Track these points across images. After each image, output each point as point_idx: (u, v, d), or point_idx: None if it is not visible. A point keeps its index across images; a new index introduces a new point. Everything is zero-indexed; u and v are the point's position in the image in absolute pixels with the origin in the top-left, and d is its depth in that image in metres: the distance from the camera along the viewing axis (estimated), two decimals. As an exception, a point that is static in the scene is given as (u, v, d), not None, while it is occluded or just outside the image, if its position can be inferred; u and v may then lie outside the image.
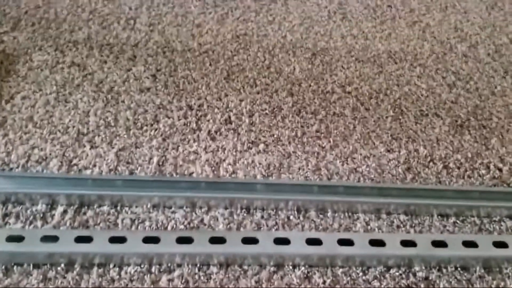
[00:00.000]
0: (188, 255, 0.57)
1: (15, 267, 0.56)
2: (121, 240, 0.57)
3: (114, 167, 0.69)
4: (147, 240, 0.58)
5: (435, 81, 0.92)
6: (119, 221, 0.62)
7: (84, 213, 0.62)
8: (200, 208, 0.65)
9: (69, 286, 0.54)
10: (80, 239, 0.57)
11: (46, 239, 0.57)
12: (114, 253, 0.56)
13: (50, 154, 0.69)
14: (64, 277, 0.55)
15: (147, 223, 0.62)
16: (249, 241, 0.59)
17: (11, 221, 0.61)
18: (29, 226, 0.60)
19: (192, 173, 0.69)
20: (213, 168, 0.70)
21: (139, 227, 0.62)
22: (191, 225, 0.63)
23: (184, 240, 0.58)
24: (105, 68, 0.86)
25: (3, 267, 0.56)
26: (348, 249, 0.59)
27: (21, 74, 0.83)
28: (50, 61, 0.86)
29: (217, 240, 0.59)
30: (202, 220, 0.63)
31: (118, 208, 0.63)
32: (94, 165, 0.69)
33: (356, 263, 0.59)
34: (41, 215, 0.62)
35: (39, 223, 0.61)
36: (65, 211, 0.62)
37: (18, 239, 0.56)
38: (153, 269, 0.57)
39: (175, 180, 0.67)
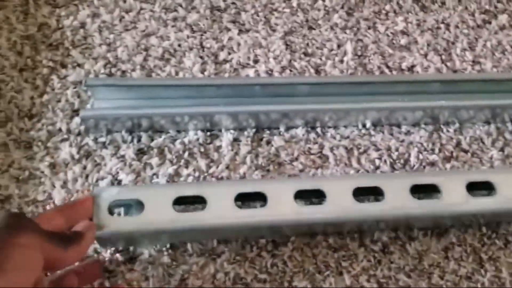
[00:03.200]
0: None
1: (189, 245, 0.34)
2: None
3: (288, 61, 0.44)
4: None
5: None
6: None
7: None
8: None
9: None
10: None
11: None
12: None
13: (179, 45, 0.44)
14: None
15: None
16: None
17: (154, 161, 0.38)
18: (187, 169, 0.38)
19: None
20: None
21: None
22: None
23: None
24: None
25: (168, 245, 0.34)
26: None
27: None
28: None
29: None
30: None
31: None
32: (256, 61, 0.44)
33: None
34: (201, 149, 0.39)
35: (203, 162, 0.38)
36: (236, 140, 0.39)
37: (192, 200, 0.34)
38: None
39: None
